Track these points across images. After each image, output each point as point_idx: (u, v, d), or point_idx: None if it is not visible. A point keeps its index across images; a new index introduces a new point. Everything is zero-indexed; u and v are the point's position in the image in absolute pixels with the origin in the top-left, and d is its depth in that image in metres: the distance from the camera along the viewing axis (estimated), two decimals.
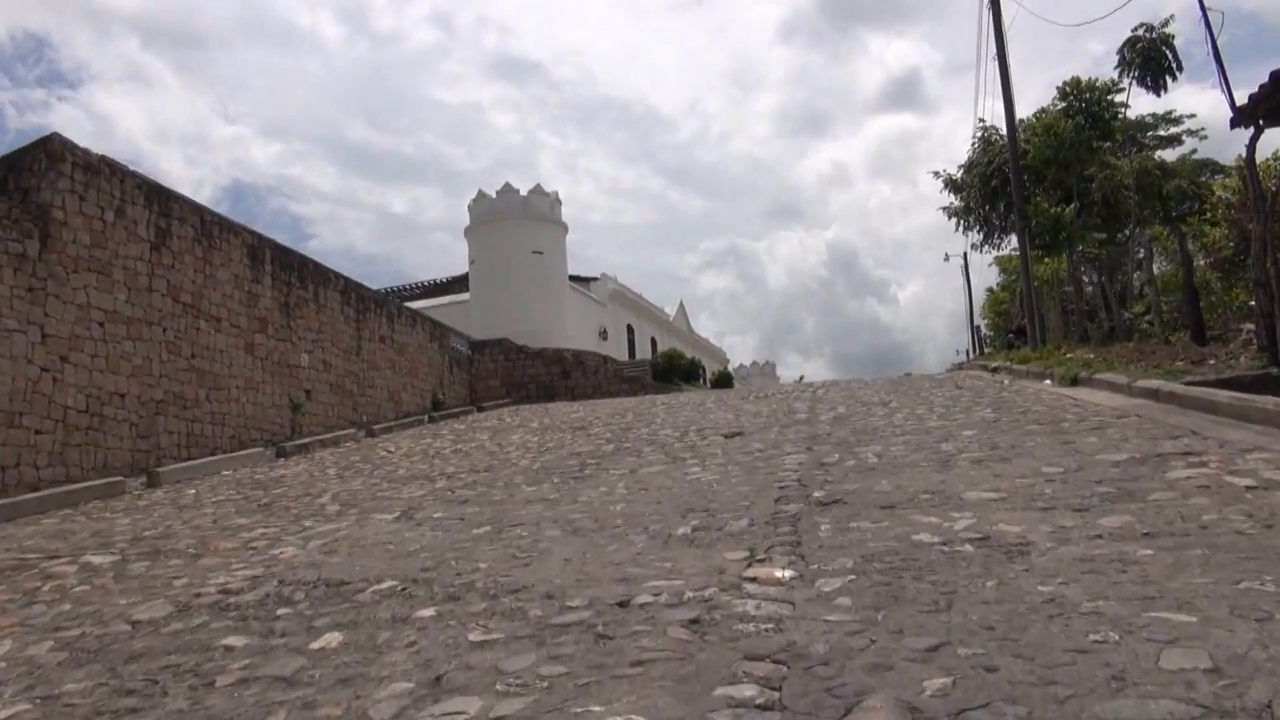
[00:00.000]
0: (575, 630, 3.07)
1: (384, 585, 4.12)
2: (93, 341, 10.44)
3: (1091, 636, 2.49)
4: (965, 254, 43.02)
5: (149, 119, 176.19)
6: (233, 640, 3.45)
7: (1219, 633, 2.43)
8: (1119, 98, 16.20)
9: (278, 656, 3.18)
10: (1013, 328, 22.80)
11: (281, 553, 5.29)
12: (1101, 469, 5.05)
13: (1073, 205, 15.88)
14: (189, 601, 4.25)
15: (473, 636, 3.12)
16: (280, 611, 3.88)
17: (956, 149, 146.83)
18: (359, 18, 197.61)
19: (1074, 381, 10.52)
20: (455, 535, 5.26)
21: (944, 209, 28.59)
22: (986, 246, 28.77)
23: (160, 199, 11.88)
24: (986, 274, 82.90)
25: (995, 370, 15.21)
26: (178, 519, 7.11)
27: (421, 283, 42.01)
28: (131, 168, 11.50)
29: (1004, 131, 28.53)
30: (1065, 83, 16.33)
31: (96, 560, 5.56)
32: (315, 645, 3.26)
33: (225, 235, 13.17)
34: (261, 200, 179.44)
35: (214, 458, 11.48)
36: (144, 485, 9.65)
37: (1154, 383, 8.08)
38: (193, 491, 8.98)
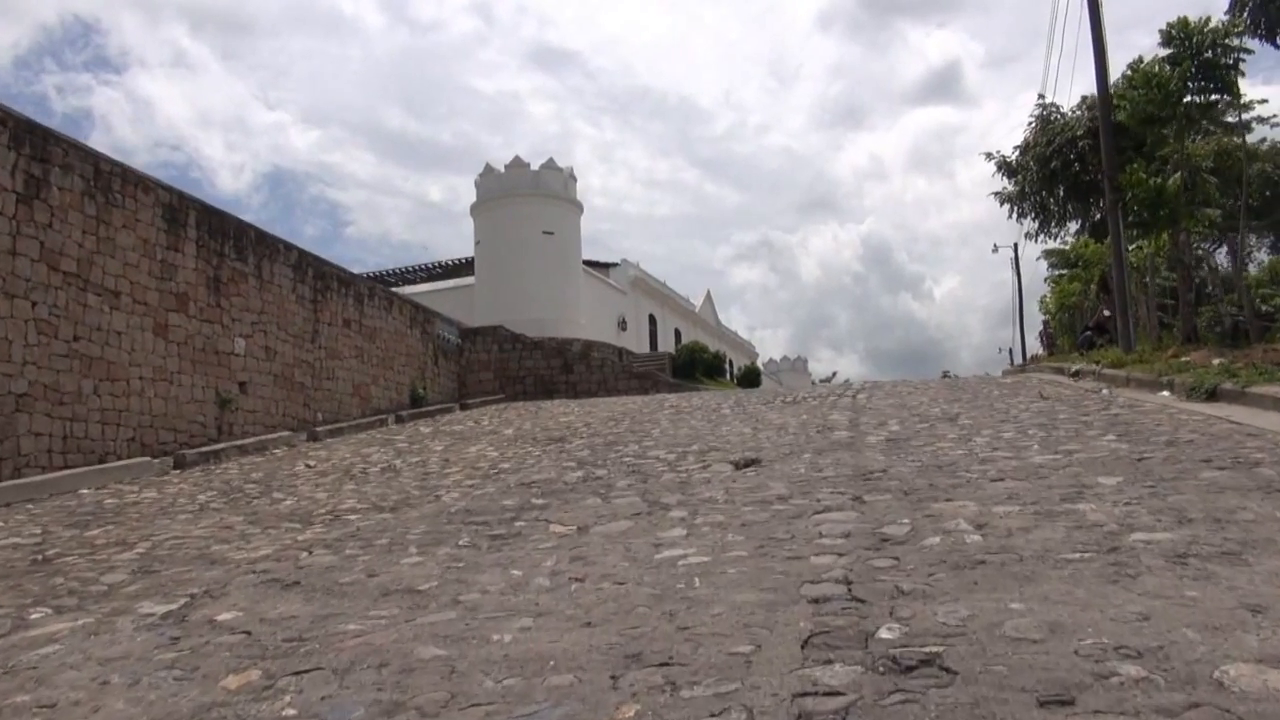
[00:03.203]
0: None
1: None
2: None
3: None
4: (1016, 245, 39.67)
5: (191, 104, 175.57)
6: None
7: None
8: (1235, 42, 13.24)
9: None
10: (1091, 324, 19.84)
11: None
12: None
13: (1178, 175, 13.00)
14: None
15: None
16: None
17: (997, 141, 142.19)
18: (400, 6, 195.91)
19: (1211, 395, 7.82)
20: (182, 699, 2.72)
21: (995, 194, 25.84)
22: (1042, 236, 26.01)
23: (34, 140, 9.42)
24: (1034, 268, 79.19)
25: (1078, 374, 12.46)
26: None
27: (425, 265, 39.52)
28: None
29: (1065, 110, 25.72)
30: (1170, 24, 13.39)
31: None
32: None
33: (130, 191, 10.69)
34: (300, 186, 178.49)
35: (85, 469, 9.04)
36: None
37: None
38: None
